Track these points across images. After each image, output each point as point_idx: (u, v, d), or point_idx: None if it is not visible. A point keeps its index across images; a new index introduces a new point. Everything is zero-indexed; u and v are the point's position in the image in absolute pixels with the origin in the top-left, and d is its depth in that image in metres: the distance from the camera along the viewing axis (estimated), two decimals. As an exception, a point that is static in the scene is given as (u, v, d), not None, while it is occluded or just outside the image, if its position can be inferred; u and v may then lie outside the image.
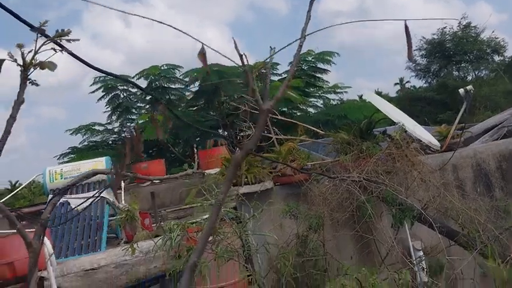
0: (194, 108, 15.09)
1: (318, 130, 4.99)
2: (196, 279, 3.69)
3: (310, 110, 15.79)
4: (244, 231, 3.56)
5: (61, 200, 8.48)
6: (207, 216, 3.59)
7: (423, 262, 4.02)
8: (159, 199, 9.42)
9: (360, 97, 19.41)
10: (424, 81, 32.67)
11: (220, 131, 15.75)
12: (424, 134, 4.57)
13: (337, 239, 4.32)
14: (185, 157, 14.21)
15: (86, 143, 15.09)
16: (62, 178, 8.67)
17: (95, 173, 2.56)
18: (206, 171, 8.73)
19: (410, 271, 3.83)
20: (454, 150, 4.55)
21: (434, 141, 4.59)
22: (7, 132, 1.86)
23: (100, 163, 8.88)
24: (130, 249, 4.42)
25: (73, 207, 8.20)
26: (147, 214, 8.21)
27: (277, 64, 14.59)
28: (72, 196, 8.42)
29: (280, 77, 14.87)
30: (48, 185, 8.66)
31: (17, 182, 23.35)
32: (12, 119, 1.94)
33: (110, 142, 15.66)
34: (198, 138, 14.59)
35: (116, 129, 15.37)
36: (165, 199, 10.34)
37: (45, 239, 4.02)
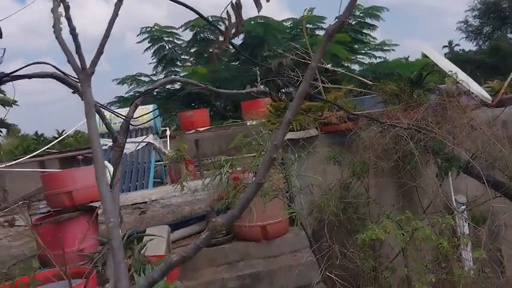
0: (237, 63, 15.16)
1: (366, 81, 4.97)
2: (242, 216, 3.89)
3: (355, 67, 15.53)
4: (289, 173, 3.68)
5: (109, 144, 8.88)
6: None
7: (465, 213, 4.04)
8: (201, 149, 9.71)
9: (406, 58, 18.86)
10: (474, 44, 31.13)
11: (262, 86, 15.77)
12: (476, 87, 4.47)
13: (379, 187, 4.39)
14: (227, 111, 14.40)
15: (131, 93, 15.51)
16: (111, 123, 9.05)
17: (172, 80, 2.62)
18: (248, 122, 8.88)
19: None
20: (505, 106, 4.45)
21: (485, 95, 4.49)
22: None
23: (147, 111, 9.18)
24: (179, 186, 4.65)
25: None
26: (191, 161, 8.52)
27: (324, 18, 14.32)
28: (121, 141, 8.80)
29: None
30: (98, 128, 9.11)
31: (63, 131, 24.41)
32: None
33: (155, 93, 16.01)
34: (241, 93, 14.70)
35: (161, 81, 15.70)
36: (207, 150, 10.64)
37: (106, 162, 4.31)
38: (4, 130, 8.69)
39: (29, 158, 9.22)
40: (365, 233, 3.12)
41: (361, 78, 5.20)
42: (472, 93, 4.19)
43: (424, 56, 18.36)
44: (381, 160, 4.06)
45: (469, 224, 4.09)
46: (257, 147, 3.54)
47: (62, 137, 12.70)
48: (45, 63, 1.89)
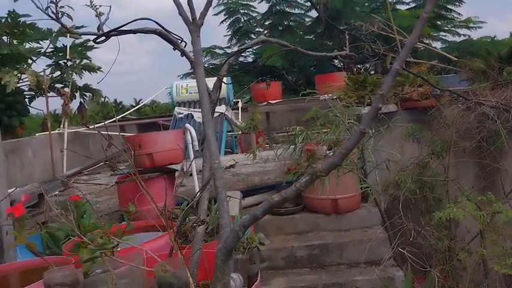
0: (311, 36, 14.93)
1: (450, 56, 4.74)
2: (313, 187, 3.93)
3: (437, 45, 14.75)
4: (366, 147, 3.65)
5: (185, 112, 9.20)
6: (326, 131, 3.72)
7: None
8: (271, 122, 9.79)
9: (493, 38, 17.59)
10: None
11: (336, 61, 15.50)
12: None
13: (458, 167, 4.23)
14: (298, 85, 14.31)
15: (206, 65, 15.84)
16: (187, 92, 9.36)
17: (264, 40, 2.68)
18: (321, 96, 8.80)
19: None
20: None
21: None
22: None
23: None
24: (252, 154, 4.76)
25: (196, 120, 8.91)
26: (262, 133, 8.65)
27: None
28: (196, 110, 9.09)
29: (407, 6, 13.96)
30: (174, 97, 9.44)
31: (140, 100, 25.54)
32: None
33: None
34: (313, 68, 14.52)
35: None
36: (277, 123, 10.70)
37: (188, 125, 4.52)
38: (89, 95, 9.22)
39: (110, 122, 9.79)
40: (442, 212, 3.04)
41: (445, 53, 4.96)
42: None
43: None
44: (463, 140, 3.90)
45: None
46: (333, 119, 3.53)
47: (138, 106, 13.30)
48: (148, 19, 2.00)
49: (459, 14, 14.60)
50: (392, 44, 5.43)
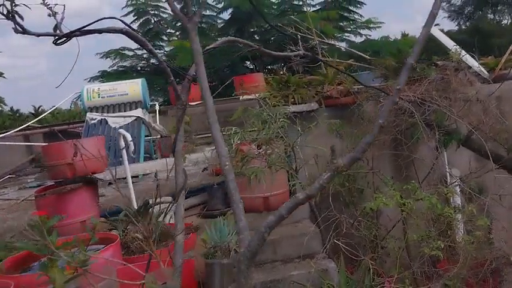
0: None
1: (365, 56, 5.02)
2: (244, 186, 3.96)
3: (341, 45, 15.55)
4: (295, 144, 3.75)
5: (99, 118, 8.78)
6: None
7: (459, 186, 4.20)
8: (192, 125, 9.66)
9: (386, 37, 18.89)
10: (456, 24, 31.42)
11: (248, 63, 15.74)
12: (474, 63, 4.58)
13: (377, 159, 4.49)
14: (213, 86, 14.31)
15: (115, 68, 15.27)
16: (99, 97, 8.91)
17: (229, 40, 2.62)
18: (241, 97, 8.88)
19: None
20: (501, 81, 4.57)
21: (484, 71, 4.61)
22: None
23: (136, 85, 9.08)
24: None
25: (111, 125, 8.54)
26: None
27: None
28: (110, 114, 8.71)
29: (314, 8, 14.56)
30: (86, 102, 8.93)
31: (40, 107, 23.93)
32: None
33: (139, 68, 15.80)
34: (227, 69, 14.63)
35: (145, 55, 15.43)
36: (197, 125, 10.59)
37: (123, 131, 4.30)
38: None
39: (16, 131, 9.08)
40: (373, 202, 3.22)
41: (360, 53, 5.25)
42: (472, 68, 4.30)
43: (404, 35, 18.51)
44: (382, 133, 4.15)
45: (463, 196, 4.24)
46: (266, 118, 3.58)
47: (44, 115, 12.43)
48: (115, 18, 1.88)
49: (361, 15, 15.57)
50: (309, 44, 5.66)
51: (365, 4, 15.20)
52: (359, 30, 16.10)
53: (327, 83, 4.70)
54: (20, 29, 1.60)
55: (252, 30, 14.78)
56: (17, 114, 21.14)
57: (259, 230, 1.64)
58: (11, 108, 21.84)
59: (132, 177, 6.92)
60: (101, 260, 2.13)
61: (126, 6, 14.12)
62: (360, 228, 3.69)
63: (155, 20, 14.73)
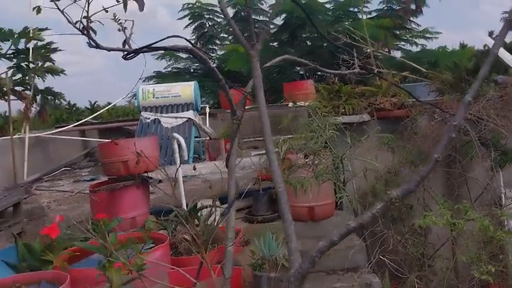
0: (275, 43, 15.11)
1: (420, 68, 4.93)
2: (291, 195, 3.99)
3: (396, 53, 15.25)
4: (344, 156, 3.74)
5: (152, 117, 9.07)
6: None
7: (516, 208, 4.04)
8: (240, 129, 9.77)
9: (444, 47, 18.32)
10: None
11: (298, 68, 15.73)
12: (537, 80, 4.39)
13: (428, 177, 4.39)
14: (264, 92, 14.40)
15: (169, 69, 15.68)
16: (153, 97, 9.21)
17: (284, 58, 2.69)
18: (291, 103, 8.92)
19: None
20: None
21: (547, 89, 4.41)
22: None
23: (189, 87, 9.32)
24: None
25: (163, 125, 8.81)
26: (228, 139, 8.65)
27: (367, 1, 14.05)
28: (163, 115, 8.98)
29: (370, 16, 14.37)
30: (141, 102, 9.26)
31: (95, 102, 24.88)
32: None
33: (192, 70, 16.13)
34: (276, 74, 14.68)
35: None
36: (245, 129, 10.71)
37: (176, 134, 4.46)
38: (50, 98, 8.94)
39: (74, 126, 9.53)
40: (422, 220, 3.16)
41: (416, 65, 5.15)
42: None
43: (462, 46, 17.86)
44: (435, 149, 4.06)
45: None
46: (315, 128, 3.59)
47: (100, 111, 12.91)
48: (179, 36, 1.99)
49: (418, 24, 15.20)
50: (364, 54, 5.61)
51: (422, 14, 14.84)
52: (415, 40, 15.72)
53: (380, 94, 4.65)
54: (94, 44, 1.71)
55: (304, 36, 14.75)
56: (74, 108, 22.12)
57: (311, 254, 1.68)
58: (68, 102, 22.87)
59: (184, 176, 7.14)
60: (151, 260, 2.22)
61: (182, 9, 14.51)
62: (407, 245, 3.62)
63: (210, 24, 15.02)
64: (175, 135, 4.46)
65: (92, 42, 1.69)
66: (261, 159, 4.71)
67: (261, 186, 4.96)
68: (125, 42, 1.86)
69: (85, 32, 1.66)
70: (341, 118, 4.20)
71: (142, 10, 1.78)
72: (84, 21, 1.64)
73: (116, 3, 1.79)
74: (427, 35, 15.52)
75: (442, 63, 12.63)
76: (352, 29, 6.37)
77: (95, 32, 1.72)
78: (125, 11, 1.83)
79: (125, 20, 1.85)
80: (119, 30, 1.85)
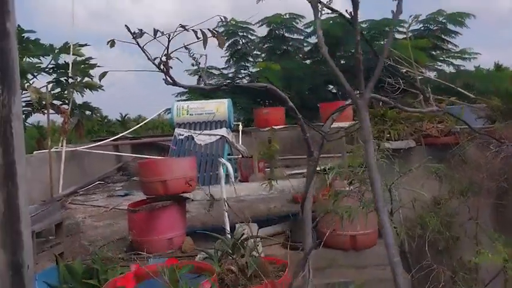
0: (310, 61, 15.06)
1: (468, 94, 4.77)
2: (334, 224, 3.87)
3: (432, 74, 14.97)
4: (393, 185, 3.60)
5: (186, 134, 9.09)
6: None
7: None
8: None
9: (478, 67, 17.89)
10: None
11: (331, 87, 15.63)
12: None
13: (477, 208, 4.21)
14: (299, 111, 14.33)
15: (202, 85, 15.79)
16: (187, 114, 9.25)
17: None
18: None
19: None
20: None
21: None
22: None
23: (222, 104, 9.33)
24: (268, 185, 4.69)
25: (197, 142, 8.81)
26: (262, 159, 8.57)
27: (403, 21, 13.87)
28: (197, 132, 9.00)
29: (405, 36, 14.16)
30: (175, 118, 9.31)
31: (126, 115, 25.33)
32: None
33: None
34: (308, 92, 14.59)
35: (230, 75, 15.83)
36: (279, 150, 10.64)
37: (223, 160, 4.41)
38: (88, 113, 9.10)
39: (111, 140, 9.65)
40: (478, 257, 2.99)
41: (462, 91, 4.99)
42: None
43: (497, 66, 17.38)
44: (486, 179, 3.89)
45: None
46: (361, 154, 3.48)
47: (135, 127, 12.98)
48: (265, 85, 1.97)
49: (455, 45, 14.91)
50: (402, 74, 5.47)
51: (461, 34, 14.56)
52: (451, 60, 15.42)
53: (426, 119, 4.51)
54: (171, 81, 1.69)
55: (339, 54, 14.67)
56: (105, 120, 22.57)
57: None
58: (100, 114, 23.37)
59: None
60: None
61: (217, 26, 14.61)
62: (458, 280, 3.44)
63: (243, 41, 15.11)
64: (222, 160, 4.42)
65: (168, 78, 1.66)
66: (299, 182, 4.62)
67: (294, 208, 4.86)
68: (200, 78, 1.82)
69: (164, 70, 1.63)
70: (389, 144, 4.07)
71: (223, 48, 1.74)
72: (162, 57, 1.61)
73: (196, 40, 1.75)
74: (465, 56, 15.20)
75: (480, 86, 12.30)
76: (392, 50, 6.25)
77: (171, 68, 1.68)
78: (204, 48, 1.79)
79: (200, 55, 1.81)
80: (192, 64, 1.82)
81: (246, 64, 15.83)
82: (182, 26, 1.68)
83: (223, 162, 4.32)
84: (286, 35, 14.88)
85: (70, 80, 8.03)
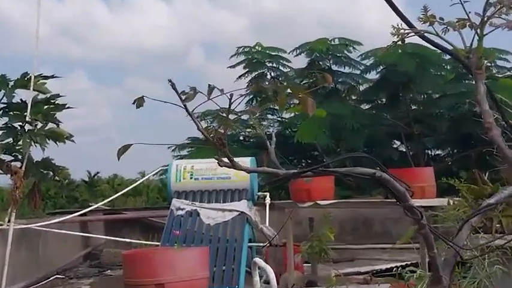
0: (368, 106, 15.18)
1: None
2: None
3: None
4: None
5: (188, 208, 8.92)
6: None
7: None
8: (315, 231, 9.52)
9: None
10: None
11: (399, 143, 15.59)
12: None
13: None
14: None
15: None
16: (191, 178, 9.13)
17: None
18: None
19: None
20: None
21: None
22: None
23: (243, 164, 9.26)
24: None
25: (204, 220, 8.65)
26: (298, 247, 8.32)
27: (506, 52, 13.95)
28: (204, 205, 8.86)
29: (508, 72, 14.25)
30: (172, 184, 9.18)
31: (96, 173, 25.53)
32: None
33: (241, 138, 16.14)
34: (365, 147, 14.55)
35: (251, 123, 15.88)
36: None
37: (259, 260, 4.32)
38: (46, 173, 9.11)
39: (77, 215, 9.63)
40: None
41: None
42: None
43: None
44: None
45: None
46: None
47: (114, 196, 13.04)
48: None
49: None
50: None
51: None
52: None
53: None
54: (229, 163, 1.71)
55: (410, 96, 14.74)
56: (66, 181, 22.76)
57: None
58: (65, 177, 23.64)
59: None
60: None
61: (236, 54, 14.84)
62: None
63: (272, 75, 15.27)
64: (259, 261, 4.29)
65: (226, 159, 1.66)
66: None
67: None
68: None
69: (221, 147, 1.62)
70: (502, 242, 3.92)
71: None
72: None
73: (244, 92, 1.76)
74: None
75: None
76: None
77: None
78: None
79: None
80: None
81: (275, 107, 15.93)
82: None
83: (261, 265, 4.19)
84: (335, 67, 15.06)
85: (27, 127, 8.08)
